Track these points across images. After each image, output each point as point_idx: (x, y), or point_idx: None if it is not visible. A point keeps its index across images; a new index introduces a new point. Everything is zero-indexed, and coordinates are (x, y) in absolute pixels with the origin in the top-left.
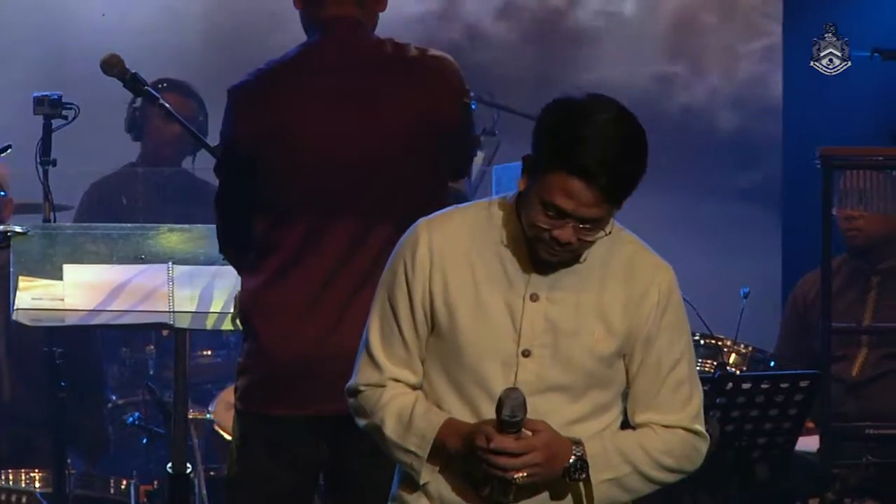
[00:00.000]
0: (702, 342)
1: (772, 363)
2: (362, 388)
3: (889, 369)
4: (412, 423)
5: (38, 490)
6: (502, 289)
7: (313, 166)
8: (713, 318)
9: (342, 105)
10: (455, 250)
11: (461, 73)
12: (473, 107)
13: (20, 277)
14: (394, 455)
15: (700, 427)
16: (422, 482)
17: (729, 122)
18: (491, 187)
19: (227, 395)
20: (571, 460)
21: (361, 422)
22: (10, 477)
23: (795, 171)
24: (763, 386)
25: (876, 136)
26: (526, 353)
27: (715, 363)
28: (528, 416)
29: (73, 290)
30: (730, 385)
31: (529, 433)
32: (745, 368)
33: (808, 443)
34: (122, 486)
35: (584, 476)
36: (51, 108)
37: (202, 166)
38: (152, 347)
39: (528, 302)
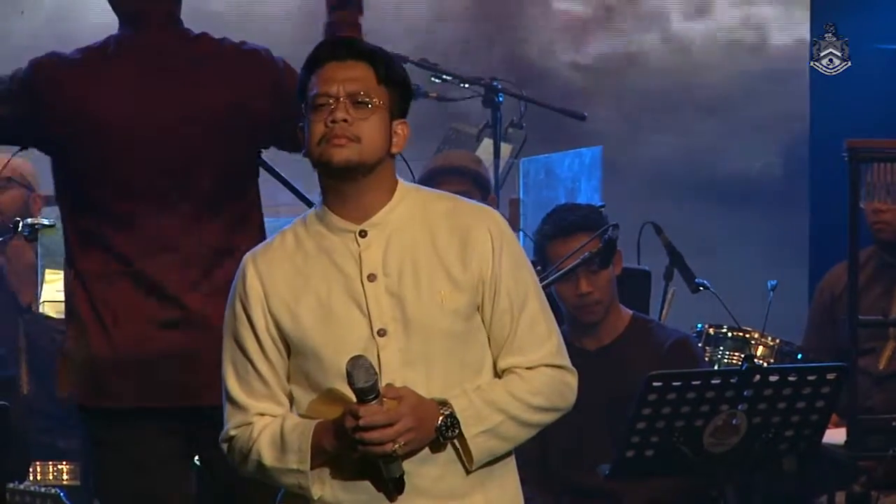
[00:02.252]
0: (729, 334)
1: (799, 356)
2: (233, 432)
3: None
4: (285, 442)
5: (65, 482)
6: (339, 282)
7: (123, 155)
8: (741, 311)
9: (153, 94)
10: (283, 267)
11: (277, 63)
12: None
13: (47, 270)
14: (281, 483)
15: (563, 361)
16: (315, 497)
17: (756, 115)
18: (518, 179)
19: None
20: (440, 420)
21: (242, 467)
22: (38, 469)
23: (823, 163)
24: (790, 378)
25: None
26: (381, 333)
27: (742, 355)
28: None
29: None
30: (757, 377)
31: (394, 402)
32: (772, 361)
33: (835, 435)
34: None
35: (456, 433)
36: None
37: None
38: None
39: (367, 283)
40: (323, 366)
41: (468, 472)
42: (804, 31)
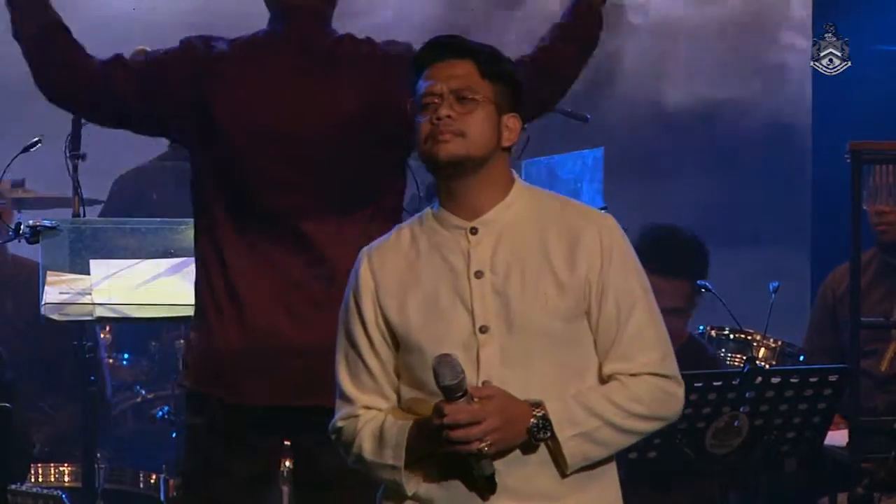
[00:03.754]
0: (731, 336)
1: (801, 357)
2: (340, 424)
3: None
4: (384, 437)
5: (67, 484)
6: (447, 277)
7: (270, 148)
8: (743, 313)
9: (300, 91)
10: (396, 263)
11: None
12: None
13: (49, 272)
14: (378, 477)
15: (669, 371)
16: (409, 493)
17: (759, 115)
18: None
19: None
20: (532, 421)
21: (348, 459)
22: (40, 471)
23: (825, 164)
24: (792, 380)
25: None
26: (484, 330)
27: (744, 357)
28: (500, 387)
29: (100, 285)
30: (759, 379)
31: (479, 401)
32: (774, 363)
33: (837, 437)
34: (152, 481)
35: (548, 435)
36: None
37: None
38: (181, 341)
39: (474, 280)
40: (425, 360)
41: (564, 475)
42: (806, 34)
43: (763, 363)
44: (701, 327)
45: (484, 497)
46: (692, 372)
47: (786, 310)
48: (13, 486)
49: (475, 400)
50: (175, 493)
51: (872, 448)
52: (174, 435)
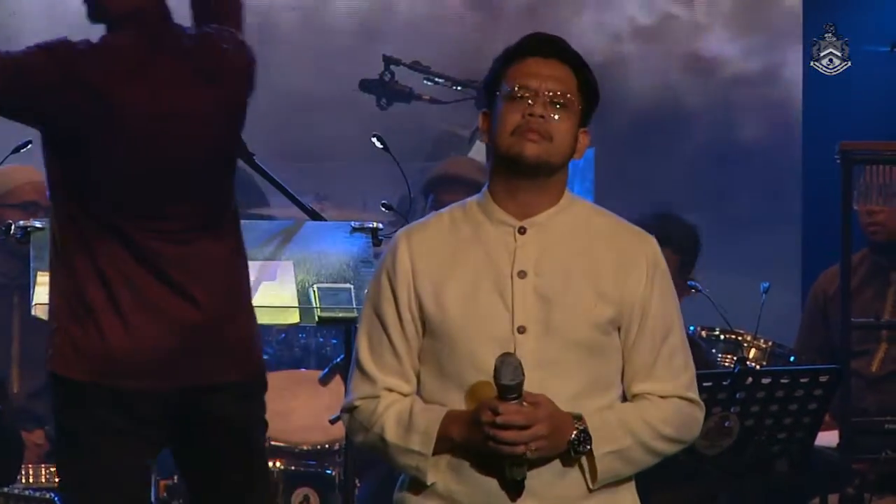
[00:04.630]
0: (722, 337)
1: (792, 358)
2: (357, 402)
3: None
4: (412, 422)
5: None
6: (489, 273)
7: (139, 149)
8: (733, 313)
9: (161, 89)
10: (436, 249)
11: (251, 52)
12: None
13: (39, 273)
14: (397, 461)
15: (695, 395)
16: (429, 482)
17: (748, 116)
18: None
19: None
20: (574, 434)
21: (359, 437)
22: (31, 472)
23: (815, 165)
24: (783, 381)
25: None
26: (521, 330)
27: (734, 358)
28: (529, 390)
29: None
30: (749, 380)
31: (531, 407)
32: (764, 363)
33: (828, 438)
34: None
35: (588, 448)
36: None
37: None
38: None
39: (517, 279)
40: (456, 352)
41: (590, 490)
42: (797, 37)
43: (753, 364)
44: (692, 327)
45: (511, 498)
46: None
47: (776, 310)
48: (6, 489)
49: (525, 404)
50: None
51: (863, 448)
52: None
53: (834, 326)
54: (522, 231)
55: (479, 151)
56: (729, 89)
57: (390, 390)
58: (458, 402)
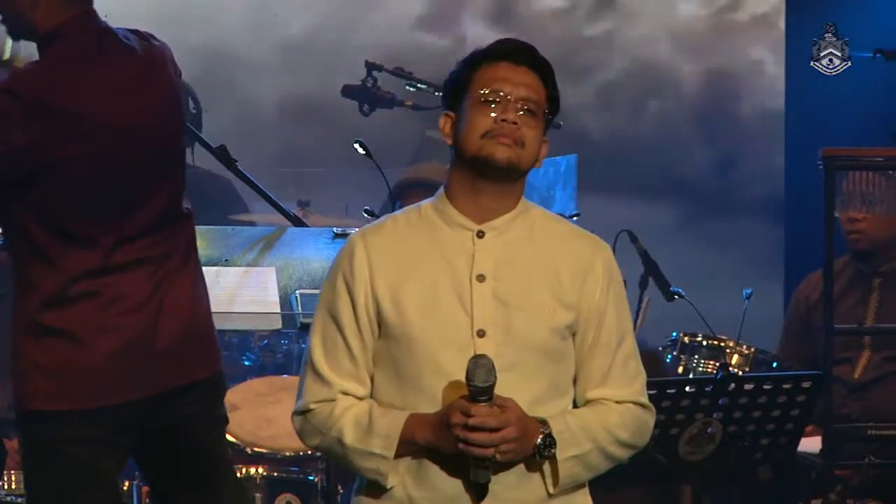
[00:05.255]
0: (704, 343)
1: (774, 364)
2: (312, 405)
3: (890, 371)
4: (372, 425)
5: None
6: (447, 276)
7: (107, 156)
8: (716, 319)
9: (124, 94)
10: (393, 250)
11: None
12: None
13: None
14: (355, 464)
15: (647, 401)
16: (389, 486)
17: (731, 121)
18: None
19: (231, 397)
20: (540, 438)
21: (314, 440)
22: (13, 478)
23: (798, 171)
24: (765, 387)
25: (877, 136)
26: (481, 334)
27: (717, 364)
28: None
29: None
30: (732, 386)
31: (499, 409)
32: (747, 369)
33: (811, 444)
34: (125, 488)
35: (552, 452)
36: None
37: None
38: None
39: (476, 283)
40: (415, 355)
41: (550, 494)
42: (781, 44)
43: (736, 370)
44: (674, 333)
45: (473, 502)
46: (666, 378)
47: (759, 316)
48: None
49: (495, 407)
50: None
51: (846, 454)
52: None
53: (817, 332)
54: (481, 235)
55: None
56: (715, 92)
57: (346, 394)
58: (417, 405)
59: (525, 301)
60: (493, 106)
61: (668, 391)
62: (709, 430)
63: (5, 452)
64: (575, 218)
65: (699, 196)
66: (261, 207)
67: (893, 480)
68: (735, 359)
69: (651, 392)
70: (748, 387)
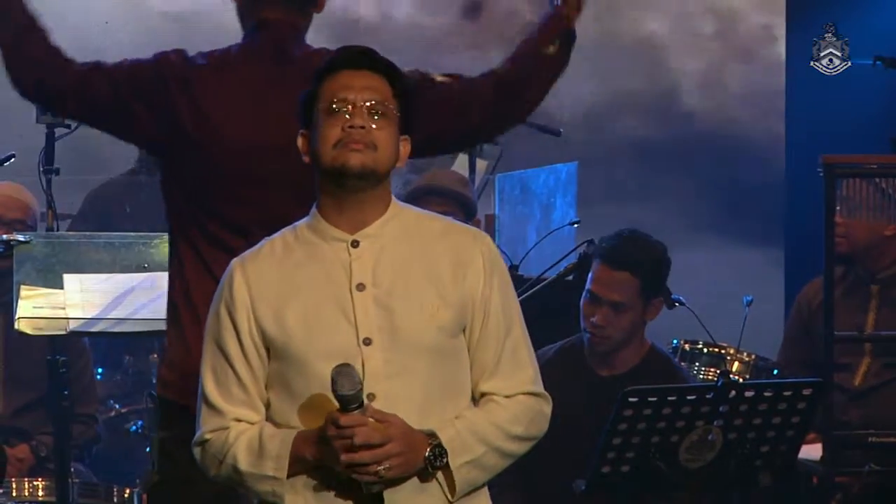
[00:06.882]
0: (705, 350)
1: (775, 371)
2: (208, 436)
3: (892, 378)
4: (263, 448)
5: (41, 499)
6: (328, 291)
7: (237, 161)
8: (716, 326)
9: (272, 103)
10: (271, 274)
11: None
12: None
13: (22, 286)
14: (253, 489)
15: (540, 389)
16: None
17: (731, 125)
18: (494, 195)
19: None
20: (429, 450)
21: (213, 471)
22: (14, 485)
23: (798, 177)
24: (766, 394)
25: (878, 141)
26: (367, 342)
27: (718, 371)
28: (382, 406)
29: (74, 299)
30: (732, 393)
31: (380, 425)
32: (748, 376)
33: (811, 451)
34: (126, 495)
35: (444, 462)
36: (53, 117)
37: None
38: (155, 356)
39: (356, 292)
40: (305, 372)
41: (450, 502)
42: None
43: (737, 377)
44: (675, 341)
45: None
46: (666, 386)
47: (759, 324)
48: None
49: (368, 415)
50: None
51: (846, 462)
52: (147, 450)
53: (817, 339)
54: (355, 244)
55: (462, 164)
56: (716, 95)
57: (239, 420)
58: (311, 423)
59: (407, 303)
60: (340, 115)
61: (669, 398)
62: (709, 438)
63: (6, 459)
64: (575, 225)
65: (699, 201)
66: None
67: (894, 488)
68: (736, 366)
69: (652, 399)
70: (749, 394)
